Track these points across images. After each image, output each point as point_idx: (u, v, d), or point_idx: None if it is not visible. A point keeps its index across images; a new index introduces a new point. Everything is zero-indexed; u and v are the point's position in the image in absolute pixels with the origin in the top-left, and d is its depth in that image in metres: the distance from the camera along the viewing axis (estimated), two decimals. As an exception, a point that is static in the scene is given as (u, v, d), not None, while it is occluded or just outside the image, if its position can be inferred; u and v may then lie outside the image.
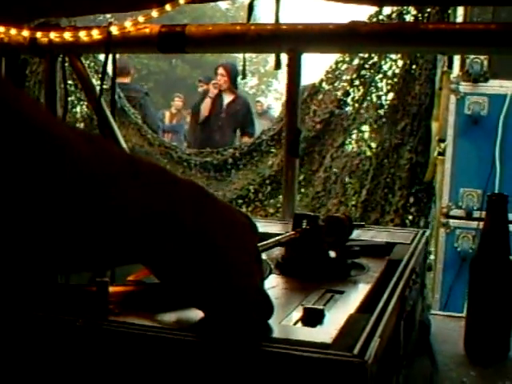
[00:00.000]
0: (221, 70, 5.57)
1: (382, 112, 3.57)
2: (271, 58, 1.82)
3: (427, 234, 1.16)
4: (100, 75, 2.35)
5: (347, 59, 3.66)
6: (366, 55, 3.59)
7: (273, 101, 17.12)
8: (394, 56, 3.56)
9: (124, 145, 2.05)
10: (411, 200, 3.46)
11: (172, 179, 0.60)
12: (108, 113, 1.92)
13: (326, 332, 0.62)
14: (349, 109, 3.69)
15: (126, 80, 5.31)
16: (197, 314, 0.68)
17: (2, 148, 0.47)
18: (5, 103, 0.48)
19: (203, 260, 0.58)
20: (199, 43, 1.67)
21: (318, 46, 1.63)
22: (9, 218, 0.48)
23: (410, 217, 3.42)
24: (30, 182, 0.48)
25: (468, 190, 3.10)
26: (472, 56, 3.07)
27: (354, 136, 3.66)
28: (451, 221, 3.14)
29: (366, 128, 3.66)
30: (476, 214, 3.03)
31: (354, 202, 3.58)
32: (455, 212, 3.13)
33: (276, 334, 0.62)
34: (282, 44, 1.63)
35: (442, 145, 3.25)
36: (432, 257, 3.34)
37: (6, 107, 0.48)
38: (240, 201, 3.89)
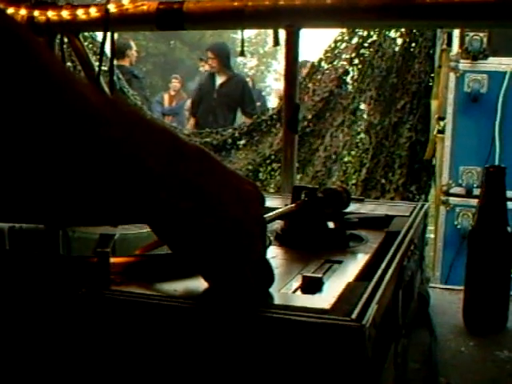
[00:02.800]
0: (209, 54, 5.59)
1: (381, 91, 3.57)
2: (270, 38, 1.82)
3: (426, 207, 1.16)
4: (98, 56, 2.35)
5: (346, 38, 3.65)
6: (365, 34, 3.58)
7: (272, 81, 17.05)
8: (393, 34, 3.55)
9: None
10: (411, 178, 3.47)
11: (178, 140, 0.59)
12: (107, 91, 1.92)
13: (325, 299, 0.63)
14: (348, 87, 3.69)
15: (125, 63, 5.25)
16: (198, 284, 0.68)
17: (22, 97, 0.47)
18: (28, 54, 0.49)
19: (205, 219, 0.57)
20: (197, 20, 1.66)
21: (317, 21, 1.62)
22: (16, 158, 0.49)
23: (410, 195, 3.43)
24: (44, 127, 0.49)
25: (468, 168, 3.10)
26: (471, 33, 3.06)
27: (353, 115, 3.66)
28: (451, 199, 3.15)
29: (365, 107, 3.66)
30: (476, 192, 3.03)
31: (354, 181, 3.59)
32: (455, 190, 3.14)
33: (275, 301, 0.62)
34: (280, 19, 1.62)
35: (442, 123, 3.25)
36: (432, 235, 3.35)
37: (29, 58, 0.49)
38: (240, 181, 3.89)
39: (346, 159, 3.62)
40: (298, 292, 0.67)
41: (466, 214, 3.11)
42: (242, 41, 1.82)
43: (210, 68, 5.60)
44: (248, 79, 6.80)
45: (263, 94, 9.12)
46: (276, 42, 1.72)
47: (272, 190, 3.75)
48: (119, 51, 5.22)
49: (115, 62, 5.09)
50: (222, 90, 5.45)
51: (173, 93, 8.46)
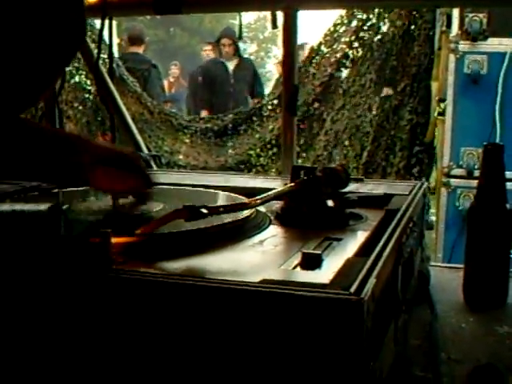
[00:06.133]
0: (226, 40, 5.38)
1: (381, 73, 3.57)
2: (270, 23, 1.81)
3: (425, 186, 1.17)
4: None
5: (345, 21, 3.64)
6: (365, 16, 3.57)
7: (272, 67, 16.96)
8: (392, 17, 3.54)
9: (123, 108, 2.05)
10: (412, 161, 3.47)
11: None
12: (107, 77, 1.92)
13: (324, 274, 0.64)
14: (348, 71, 3.68)
15: (139, 50, 5.21)
16: (199, 262, 0.69)
17: None
18: None
19: None
20: (195, 3, 1.66)
21: (314, 2, 1.62)
22: None
23: (412, 177, 3.43)
24: None
25: (468, 149, 3.09)
26: (471, 14, 3.04)
27: (353, 98, 3.65)
28: (452, 180, 3.14)
29: (365, 90, 3.65)
30: (477, 173, 3.02)
31: (355, 165, 3.59)
32: (456, 171, 3.13)
33: (275, 277, 0.63)
34: (278, 1, 1.62)
35: (442, 105, 3.23)
36: (434, 217, 3.35)
37: None
38: (242, 166, 3.90)
39: (346, 143, 3.62)
40: (298, 268, 0.68)
41: (467, 196, 3.11)
42: (240, 25, 1.82)
43: (222, 54, 5.42)
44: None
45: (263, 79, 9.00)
46: (274, 25, 1.72)
47: (273, 175, 3.75)
48: (137, 38, 5.20)
49: (131, 49, 5.10)
50: (236, 74, 5.34)
51: (172, 79, 8.44)
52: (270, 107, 3.90)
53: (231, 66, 5.35)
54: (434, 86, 3.34)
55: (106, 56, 2.96)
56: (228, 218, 0.81)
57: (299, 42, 1.67)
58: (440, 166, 3.21)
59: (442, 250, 3.20)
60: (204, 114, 5.34)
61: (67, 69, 3.79)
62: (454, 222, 3.13)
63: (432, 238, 3.25)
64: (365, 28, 3.60)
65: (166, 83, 8.34)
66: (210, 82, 5.39)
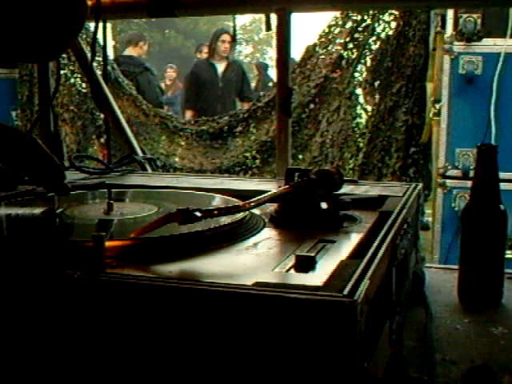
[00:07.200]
0: (226, 37, 5.19)
1: (376, 75, 3.57)
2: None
3: (419, 187, 1.17)
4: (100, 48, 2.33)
5: (340, 22, 3.65)
6: (359, 18, 3.58)
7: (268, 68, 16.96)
8: (387, 18, 3.55)
9: (118, 111, 2.05)
10: (408, 162, 3.48)
11: None
12: (101, 80, 1.92)
13: (317, 277, 0.64)
14: (343, 72, 3.68)
15: (134, 53, 5.21)
16: (192, 265, 0.69)
17: None
18: None
19: None
20: (188, 6, 1.66)
21: (308, 4, 1.62)
22: None
23: (408, 179, 3.44)
24: None
25: (464, 150, 3.10)
26: (465, 15, 3.05)
27: (349, 100, 3.66)
28: (448, 181, 3.15)
29: (360, 91, 3.66)
30: (472, 174, 3.02)
31: (351, 166, 3.60)
32: (452, 172, 3.14)
33: (269, 279, 0.63)
34: (271, 3, 1.62)
35: (438, 105, 3.24)
36: (430, 218, 3.36)
37: None
38: (237, 168, 3.90)
39: (342, 144, 3.63)
40: (292, 271, 0.68)
41: (463, 196, 3.12)
42: (234, 27, 1.82)
43: (214, 55, 5.30)
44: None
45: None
46: (268, 27, 1.72)
47: (269, 177, 3.75)
48: (132, 41, 5.20)
49: (125, 52, 5.10)
50: (225, 77, 5.23)
51: (168, 82, 8.43)
52: (265, 109, 3.91)
53: (221, 68, 5.26)
54: (429, 86, 3.35)
55: (100, 59, 2.97)
56: (222, 221, 0.81)
57: (293, 43, 1.66)
58: (436, 167, 3.22)
59: (438, 250, 3.21)
60: (188, 114, 5.23)
61: (62, 72, 3.80)
62: (450, 223, 3.14)
63: (428, 238, 3.26)
64: (359, 29, 3.61)
65: (162, 86, 8.32)
66: (198, 84, 5.28)
